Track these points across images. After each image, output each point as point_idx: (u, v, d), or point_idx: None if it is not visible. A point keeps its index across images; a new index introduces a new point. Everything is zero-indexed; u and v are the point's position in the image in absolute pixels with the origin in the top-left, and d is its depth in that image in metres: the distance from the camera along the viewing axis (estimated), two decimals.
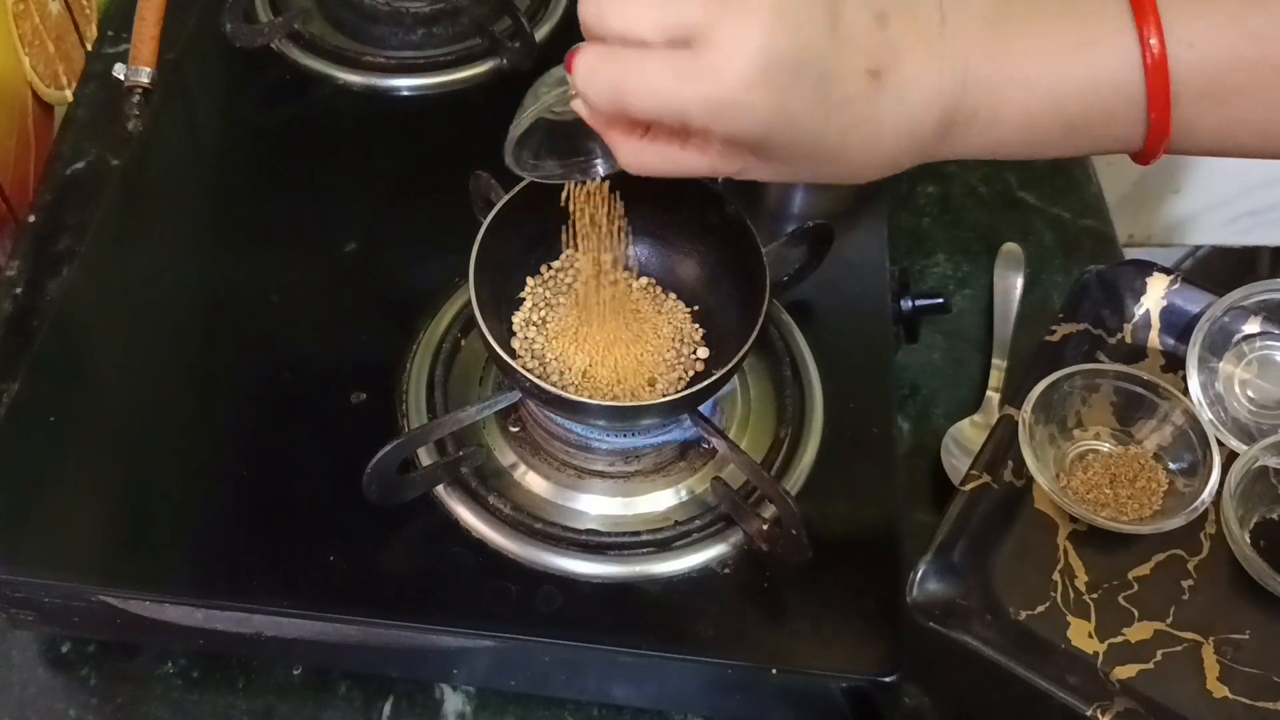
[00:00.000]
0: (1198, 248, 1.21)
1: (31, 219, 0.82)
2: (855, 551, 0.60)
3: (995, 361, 0.75)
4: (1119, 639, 0.56)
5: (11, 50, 0.81)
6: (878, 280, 0.71)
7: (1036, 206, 0.86)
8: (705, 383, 0.58)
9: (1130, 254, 0.86)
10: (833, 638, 0.58)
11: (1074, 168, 0.88)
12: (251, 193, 0.77)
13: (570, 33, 0.86)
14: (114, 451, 0.65)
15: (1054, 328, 0.65)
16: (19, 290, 0.78)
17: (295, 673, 0.63)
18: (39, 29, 0.85)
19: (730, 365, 0.58)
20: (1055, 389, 0.60)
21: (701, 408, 0.61)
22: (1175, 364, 0.64)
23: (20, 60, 0.82)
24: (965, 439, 0.71)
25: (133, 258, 0.73)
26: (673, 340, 0.63)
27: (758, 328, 0.58)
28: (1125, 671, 0.54)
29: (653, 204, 0.65)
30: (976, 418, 0.72)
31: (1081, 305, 0.65)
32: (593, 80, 0.45)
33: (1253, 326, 0.63)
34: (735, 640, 0.58)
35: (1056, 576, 0.58)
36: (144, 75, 0.84)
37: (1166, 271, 0.65)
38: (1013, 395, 0.61)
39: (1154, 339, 0.65)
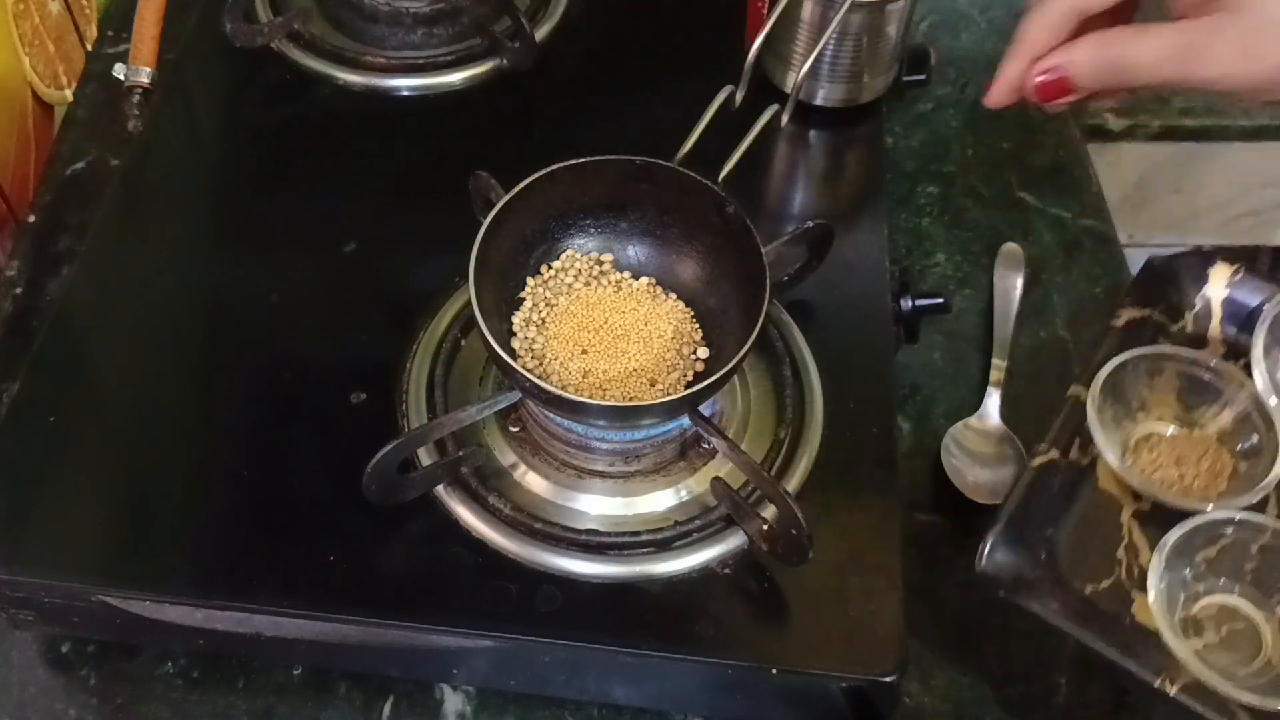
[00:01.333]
0: (1198, 248, 1.21)
1: (31, 219, 0.82)
2: (855, 551, 0.60)
3: (995, 361, 0.75)
4: (1183, 614, 0.57)
5: (11, 50, 0.81)
6: (878, 280, 0.71)
7: (1036, 206, 0.85)
8: (705, 383, 0.58)
9: (1130, 254, 0.86)
10: (833, 638, 0.58)
11: (1074, 167, 0.88)
12: (251, 193, 0.77)
13: (570, 33, 0.86)
14: (114, 451, 0.65)
15: (1119, 312, 0.66)
16: (19, 290, 0.78)
17: (295, 673, 0.63)
18: (39, 29, 0.85)
19: (730, 365, 0.58)
20: (1122, 370, 0.62)
21: (701, 408, 0.61)
22: (1236, 352, 0.65)
23: (20, 60, 0.82)
24: (965, 440, 0.71)
25: (133, 258, 0.73)
26: (673, 340, 0.63)
27: (758, 328, 0.58)
28: (1189, 645, 0.55)
29: (653, 204, 0.65)
30: (973, 420, 0.72)
31: (1145, 291, 0.66)
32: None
33: None
34: (735, 640, 0.58)
35: (1121, 554, 0.59)
36: (144, 75, 0.84)
37: (1230, 261, 0.66)
38: (1080, 375, 0.62)
39: (1215, 328, 0.67)
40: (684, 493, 0.63)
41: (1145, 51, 0.52)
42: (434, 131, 0.81)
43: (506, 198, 0.62)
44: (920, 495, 0.70)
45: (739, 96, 0.70)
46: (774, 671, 0.57)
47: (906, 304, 0.71)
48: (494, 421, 0.65)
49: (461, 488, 0.62)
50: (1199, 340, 0.66)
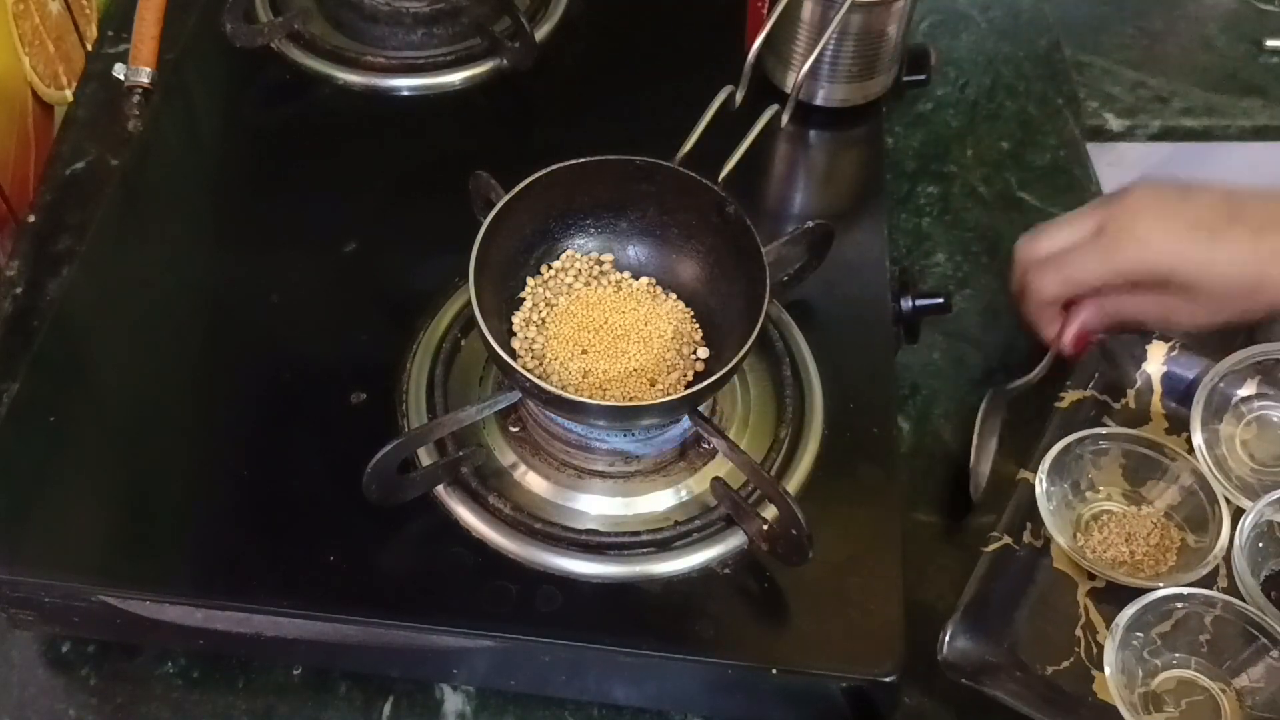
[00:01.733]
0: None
1: (31, 219, 0.82)
2: (855, 552, 0.60)
3: None
4: (1143, 690, 0.58)
5: (11, 50, 0.81)
6: (878, 280, 0.71)
7: (1036, 206, 0.85)
8: (705, 383, 0.58)
9: None
10: (833, 638, 0.58)
11: (1074, 167, 0.88)
12: (251, 193, 0.77)
13: (570, 33, 0.86)
14: (114, 451, 0.65)
15: (1062, 394, 0.67)
16: (19, 290, 0.78)
17: (295, 673, 0.63)
18: (39, 29, 0.85)
19: (730, 365, 0.58)
20: (1067, 453, 0.63)
21: (701, 407, 0.61)
22: (1178, 426, 0.67)
23: (20, 60, 0.82)
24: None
25: (133, 258, 0.73)
26: (673, 340, 0.63)
27: (758, 328, 0.58)
28: None
29: (653, 204, 0.65)
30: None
31: (1086, 373, 0.68)
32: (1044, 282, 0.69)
33: (1249, 389, 0.66)
34: (735, 640, 0.58)
35: (1079, 633, 0.60)
36: (144, 75, 0.84)
37: (1165, 339, 0.68)
38: (1027, 460, 0.64)
39: (1156, 403, 0.69)
40: (684, 493, 0.63)
41: (1139, 312, 0.68)
42: (434, 131, 0.81)
43: (506, 198, 0.62)
44: (920, 495, 0.70)
45: (739, 96, 0.70)
46: (774, 671, 0.57)
47: (906, 304, 0.71)
48: (494, 421, 0.65)
49: (461, 488, 0.62)
50: (1142, 416, 0.68)
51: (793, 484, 0.62)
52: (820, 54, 0.74)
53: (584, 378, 0.61)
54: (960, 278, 0.81)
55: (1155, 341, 0.68)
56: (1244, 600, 0.58)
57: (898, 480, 0.63)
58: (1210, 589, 0.59)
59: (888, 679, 0.56)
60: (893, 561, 0.60)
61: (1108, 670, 0.56)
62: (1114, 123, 0.93)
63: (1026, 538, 0.62)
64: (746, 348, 0.58)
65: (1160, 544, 0.62)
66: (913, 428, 0.73)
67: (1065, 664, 0.59)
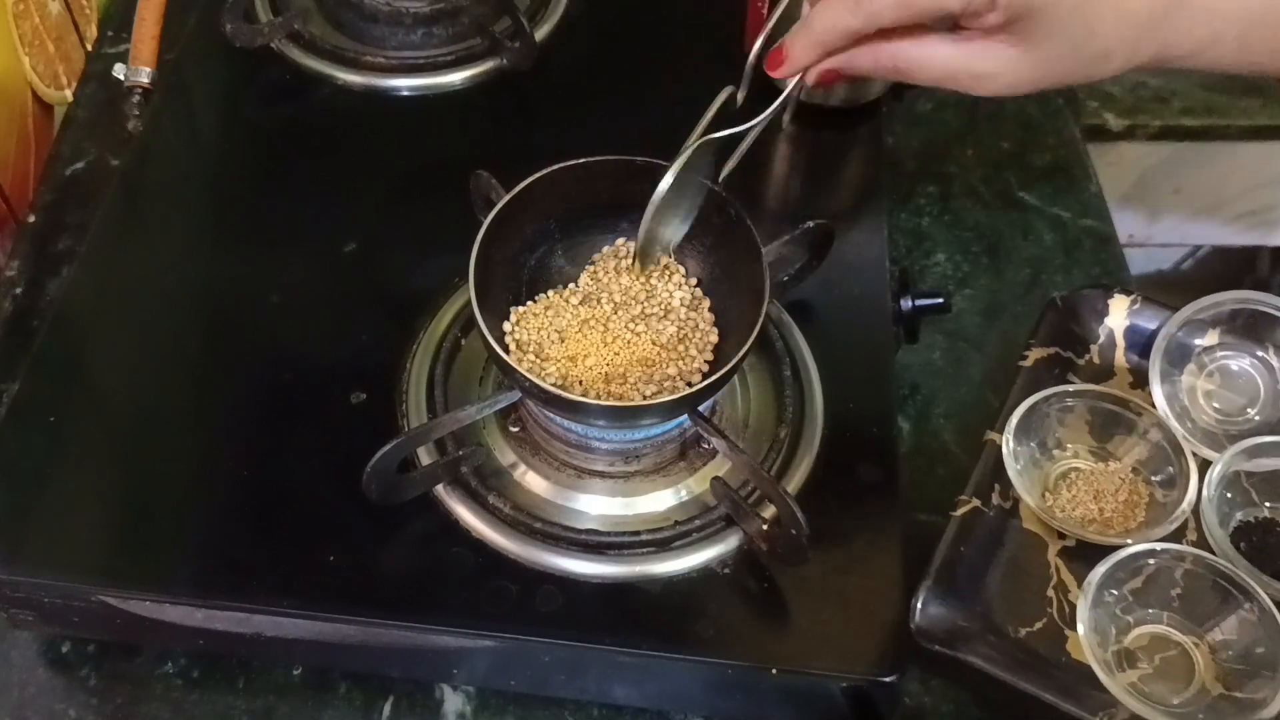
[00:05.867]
0: (1198, 248, 1.21)
1: (31, 219, 0.82)
2: (855, 552, 0.60)
3: None
4: (1116, 647, 0.57)
5: (11, 50, 0.81)
6: (878, 280, 0.71)
7: (1036, 206, 0.85)
8: (705, 383, 0.58)
9: (1130, 254, 0.86)
10: (833, 638, 0.58)
11: (1074, 167, 0.88)
12: (251, 193, 0.77)
13: (570, 33, 0.86)
14: (114, 451, 0.65)
15: (1025, 353, 0.67)
16: (19, 290, 0.78)
17: (295, 673, 0.63)
18: (39, 29, 0.85)
19: (730, 365, 0.58)
20: (1033, 412, 0.63)
21: (701, 408, 0.61)
22: (1143, 380, 0.66)
23: (20, 60, 0.82)
24: None
25: (133, 258, 0.73)
26: (673, 340, 0.63)
27: (758, 328, 0.58)
28: (1125, 678, 0.55)
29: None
30: None
31: (1049, 330, 0.68)
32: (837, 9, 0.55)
33: (1210, 339, 0.66)
34: (735, 640, 0.58)
35: (1051, 593, 0.60)
36: (144, 75, 0.84)
37: (1126, 292, 0.68)
38: (993, 421, 0.63)
39: (1120, 358, 0.68)
40: (684, 493, 0.63)
41: (926, 71, 0.58)
42: (434, 131, 0.81)
43: (507, 198, 0.62)
44: (920, 495, 0.69)
45: (740, 97, 0.70)
46: (774, 671, 0.57)
47: (906, 304, 0.71)
48: (494, 421, 0.65)
49: (461, 487, 0.62)
50: (1106, 372, 0.67)
51: (793, 484, 0.62)
52: None
53: (584, 378, 0.61)
54: (960, 278, 0.81)
55: (1117, 295, 0.68)
56: (1213, 553, 0.58)
57: (898, 480, 0.63)
58: (1180, 543, 0.59)
59: (888, 679, 0.56)
60: (893, 561, 0.60)
61: (1080, 629, 0.56)
62: (1114, 123, 0.93)
63: (995, 499, 0.62)
64: (746, 348, 0.58)
65: (1129, 500, 0.62)
66: (913, 428, 0.73)
67: (1038, 625, 0.58)
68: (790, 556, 0.58)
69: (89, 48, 0.92)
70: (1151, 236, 1.13)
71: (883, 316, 0.70)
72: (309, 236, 0.74)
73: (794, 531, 0.56)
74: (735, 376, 0.65)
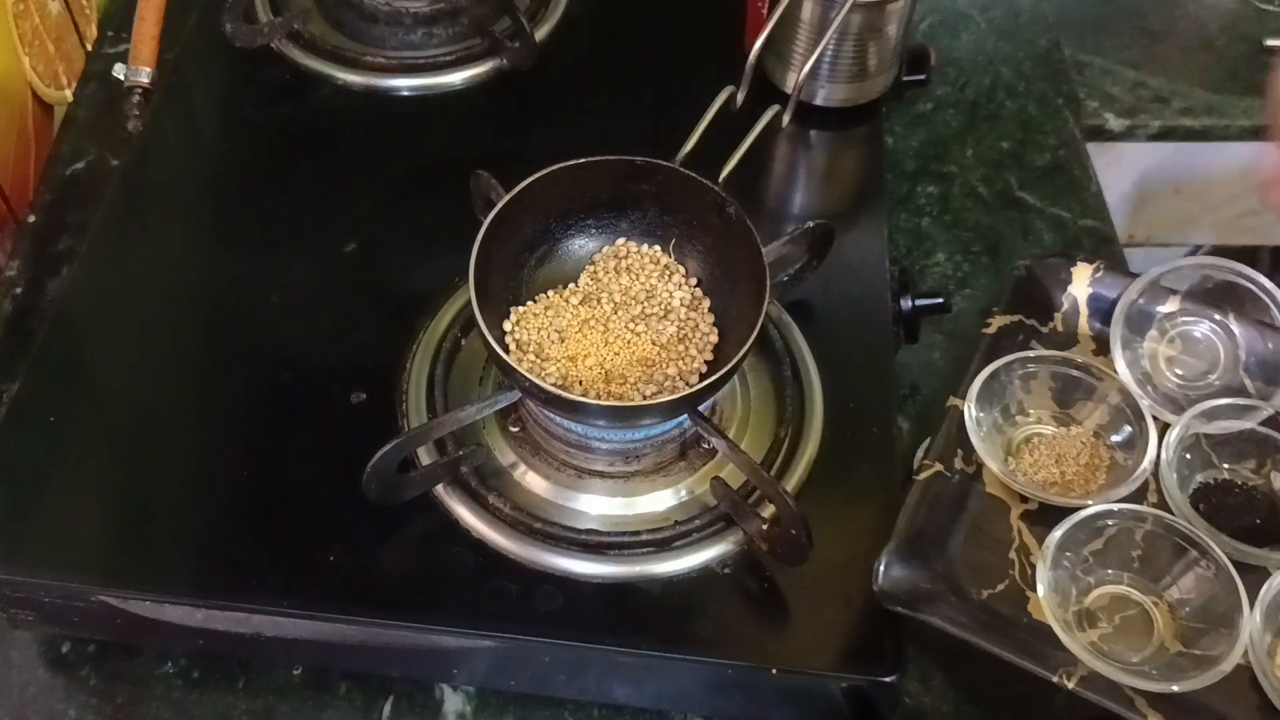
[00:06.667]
0: (1198, 247, 1.21)
1: (31, 219, 0.82)
2: (855, 551, 0.60)
3: None
4: (1076, 608, 0.58)
5: (11, 50, 0.81)
6: (878, 280, 0.71)
7: (1036, 206, 0.85)
8: (705, 383, 0.58)
9: (1130, 254, 0.86)
10: (833, 638, 0.58)
11: (1074, 167, 0.88)
12: (251, 193, 0.77)
13: (570, 33, 0.86)
14: (114, 451, 0.65)
15: (989, 321, 0.67)
16: (19, 290, 0.78)
17: (295, 673, 0.63)
18: (39, 29, 0.85)
19: (730, 365, 0.58)
20: (994, 378, 0.63)
21: (701, 407, 0.61)
22: (1106, 347, 0.67)
23: (20, 60, 0.82)
24: None
25: (133, 258, 0.73)
26: (673, 339, 0.63)
27: (758, 328, 0.58)
28: (1085, 637, 0.56)
29: (653, 204, 0.65)
30: None
31: (1014, 298, 0.68)
32: None
33: (1171, 305, 0.66)
34: (735, 640, 0.58)
35: (1013, 555, 0.60)
36: (144, 75, 0.84)
37: (1089, 261, 0.69)
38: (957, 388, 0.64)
39: (1083, 325, 0.69)
40: (684, 493, 0.63)
41: None
42: (434, 131, 0.81)
43: (507, 198, 0.62)
44: None
45: (740, 97, 0.70)
46: (774, 671, 0.57)
47: (906, 304, 0.71)
48: (494, 421, 0.65)
49: (461, 487, 0.62)
50: (1070, 339, 0.68)
51: (793, 484, 0.62)
52: (820, 54, 0.74)
53: (583, 377, 0.61)
54: (960, 278, 0.81)
55: (1080, 263, 0.69)
56: (1173, 514, 0.59)
57: (897, 480, 0.63)
58: (1142, 503, 0.60)
59: (888, 679, 0.56)
60: None
61: (1040, 590, 0.56)
62: (1114, 123, 0.93)
63: (958, 464, 0.62)
64: (746, 348, 0.58)
65: (1090, 463, 0.63)
66: (912, 428, 0.73)
67: (1000, 587, 0.59)
68: (790, 556, 0.58)
69: (89, 48, 0.92)
70: (1151, 236, 1.12)
71: (883, 316, 0.70)
72: (309, 236, 0.74)
73: (794, 531, 0.56)
74: (735, 376, 0.65)
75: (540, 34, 0.85)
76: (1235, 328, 0.66)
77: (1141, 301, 0.66)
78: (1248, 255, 1.23)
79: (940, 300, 0.72)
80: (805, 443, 0.64)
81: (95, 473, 0.64)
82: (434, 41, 0.85)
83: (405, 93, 0.83)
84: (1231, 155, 0.97)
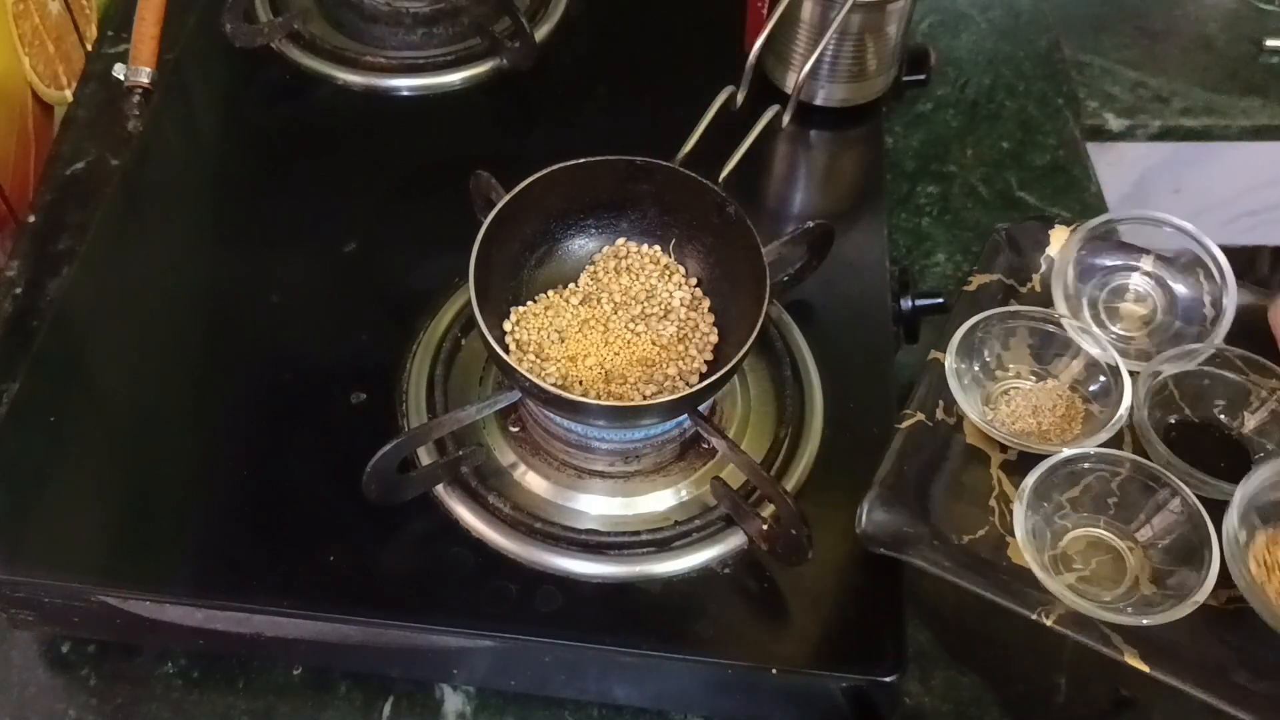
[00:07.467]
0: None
1: (31, 219, 0.82)
2: (855, 551, 0.60)
3: None
4: (1052, 552, 0.59)
5: (11, 50, 0.81)
6: (878, 280, 0.71)
7: (1036, 206, 0.85)
8: (705, 383, 0.58)
9: None
10: (833, 638, 0.58)
11: (1074, 167, 0.88)
12: (251, 193, 0.77)
13: (570, 33, 0.86)
14: (114, 451, 0.65)
15: (970, 279, 0.69)
16: (19, 290, 0.78)
17: (295, 673, 0.63)
18: (39, 29, 0.85)
19: (730, 365, 0.58)
20: (973, 333, 0.65)
21: (701, 407, 0.61)
22: (1079, 306, 0.69)
23: (20, 60, 0.82)
24: None
25: (133, 258, 0.73)
26: (673, 339, 0.63)
27: (757, 328, 0.58)
28: (1062, 580, 0.57)
29: (653, 204, 0.65)
30: None
31: (994, 259, 0.70)
32: None
33: (1112, 259, 0.70)
34: (735, 640, 0.58)
35: (993, 503, 0.62)
36: (144, 75, 0.84)
37: (1066, 224, 0.70)
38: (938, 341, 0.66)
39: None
40: (684, 493, 0.63)
41: None
42: (434, 131, 0.81)
43: (507, 198, 0.62)
44: None
45: (740, 97, 0.70)
46: (774, 671, 0.57)
47: (906, 304, 0.71)
48: (494, 421, 0.65)
49: (461, 487, 0.62)
50: (1047, 299, 0.69)
51: (792, 484, 0.62)
52: (820, 54, 0.74)
53: (584, 377, 0.61)
54: (960, 278, 0.81)
55: (1058, 226, 0.70)
56: (1147, 458, 0.60)
57: None
58: (1118, 449, 0.61)
59: (888, 679, 0.56)
60: (893, 562, 0.59)
61: (1018, 533, 0.57)
62: (1114, 123, 0.93)
63: (939, 414, 0.64)
64: (746, 348, 0.58)
65: (1066, 414, 0.64)
66: None
67: (980, 533, 0.60)
68: (790, 556, 0.58)
69: (89, 48, 0.92)
70: None
71: (883, 316, 0.70)
72: (309, 236, 0.74)
73: (794, 531, 0.56)
74: (735, 376, 0.65)
75: (540, 34, 0.85)
76: (1164, 274, 0.69)
77: (1083, 255, 0.69)
78: (1248, 255, 1.23)
79: (940, 300, 0.72)
80: (805, 443, 0.64)
81: (95, 473, 0.64)
82: (434, 41, 0.85)
83: (405, 93, 0.83)
84: (1231, 155, 0.97)
